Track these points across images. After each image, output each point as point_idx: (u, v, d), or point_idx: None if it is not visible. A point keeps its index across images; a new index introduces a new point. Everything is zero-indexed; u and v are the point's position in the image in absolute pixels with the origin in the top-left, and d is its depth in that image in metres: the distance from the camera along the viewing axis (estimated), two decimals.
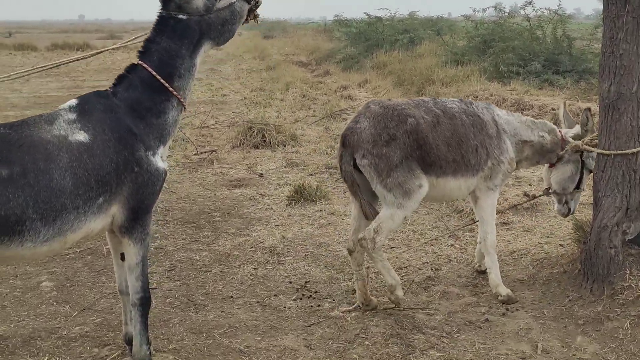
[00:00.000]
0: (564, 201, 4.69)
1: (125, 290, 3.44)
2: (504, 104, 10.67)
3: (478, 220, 4.56)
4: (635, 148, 3.97)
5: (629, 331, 3.76)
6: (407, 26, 20.53)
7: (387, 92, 13.44)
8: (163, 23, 3.22)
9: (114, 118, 3.05)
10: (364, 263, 4.31)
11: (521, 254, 5.05)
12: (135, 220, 3.12)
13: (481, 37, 15.41)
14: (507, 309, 4.25)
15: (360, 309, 4.24)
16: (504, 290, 4.34)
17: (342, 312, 4.22)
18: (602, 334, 3.83)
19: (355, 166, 4.04)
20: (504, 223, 5.84)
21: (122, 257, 3.33)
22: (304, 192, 6.68)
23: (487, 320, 4.12)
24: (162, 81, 3.16)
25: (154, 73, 3.15)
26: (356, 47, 20.85)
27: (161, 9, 3.23)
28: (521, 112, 10.40)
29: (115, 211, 3.07)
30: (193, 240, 5.69)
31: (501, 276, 4.73)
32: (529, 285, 4.56)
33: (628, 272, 4.03)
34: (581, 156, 4.52)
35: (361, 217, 4.20)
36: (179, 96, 3.22)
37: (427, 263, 5.09)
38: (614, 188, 4.06)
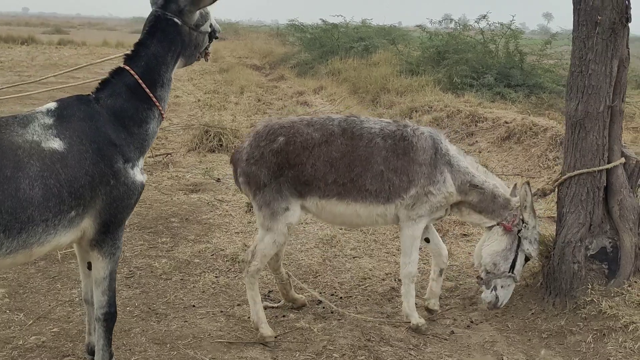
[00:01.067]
0: (492, 286, 4.09)
1: (90, 300, 3.28)
2: (459, 116, 10.82)
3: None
4: (600, 166, 4.06)
5: (592, 345, 3.83)
6: (361, 34, 20.65)
7: (343, 100, 13.48)
8: (157, 24, 3.09)
9: (93, 127, 2.89)
10: (281, 267, 4.38)
11: None
12: (106, 234, 2.97)
13: (435, 48, 15.62)
14: (472, 321, 4.28)
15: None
16: (414, 320, 4.12)
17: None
18: (565, 347, 3.90)
19: None
20: (464, 235, 5.90)
21: (89, 266, 3.19)
22: None
23: (452, 332, 4.14)
24: (147, 90, 3.04)
25: (140, 81, 3.03)
26: (311, 52, 20.84)
27: (158, 9, 3.09)
28: (475, 124, 10.61)
29: (87, 225, 2.91)
30: (151, 246, 5.55)
31: (464, 288, 4.79)
32: None
33: (590, 287, 4.12)
34: (518, 232, 4.06)
35: None
36: (160, 107, 3.11)
37: (390, 274, 5.09)
38: (578, 205, 4.15)
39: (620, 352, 3.69)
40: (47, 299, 4.44)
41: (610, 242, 4.18)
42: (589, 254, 4.19)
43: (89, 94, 3.05)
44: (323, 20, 21.99)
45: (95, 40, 32.73)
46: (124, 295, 4.53)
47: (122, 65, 3.08)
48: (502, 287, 4.07)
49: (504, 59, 13.90)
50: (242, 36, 39.97)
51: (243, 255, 4.03)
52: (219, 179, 7.82)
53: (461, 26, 15.50)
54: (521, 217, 4.05)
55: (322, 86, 15.65)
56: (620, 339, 3.77)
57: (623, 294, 4.03)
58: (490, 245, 4.09)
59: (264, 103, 13.77)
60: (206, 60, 3.49)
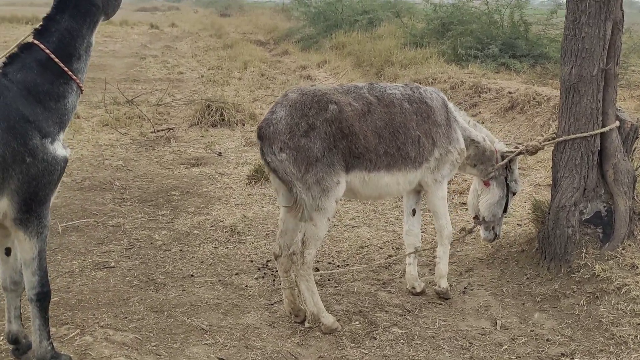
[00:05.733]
0: (490, 227, 4.43)
1: (9, 287, 3.21)
2: (462, 87, 10.76)
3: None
4: (594, 130, 4.05)
5: (585, 308, 3.86)
6: (366, 7, 20.46)
7: (346, 73, 13.42)
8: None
9: (2, 103, 2.75)
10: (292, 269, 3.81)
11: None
12: (30, 213, 2.88)
13: (440, 20, 15.47)
14: (468, 285, 4.32)
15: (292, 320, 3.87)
16: (445, 283, 4.16)
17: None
18: (558, 310, 3.93)
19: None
20: (463, 203, 5.91)
21: (7, 252, 3.14)
22: (264, 172, 6.62)
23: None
24: (61, 64, 2.94)
25: (52, 55, 2.92)
26: (315, 27, 20.70)
27: None
28: (479, 95, 10.55)
29: (5, 205, 2.83)
30: (152, 218, 5.59)
31: (460, 255, 4.81)
32: (488, 264, 4.64)
33: (584, 250, 4.14)
34: (505, 179, 4.33)
35: (288, 220, 3.81)
36: (77, 80, 3.02)
37: (388, 242, 5.12)
38: (572, 169, 4.15)
39: (612, 314, 3.71)
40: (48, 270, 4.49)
41: (604, 206, 4.18)
42: (583, 218, 4.20)
43: None
44: None
45: None
46: (123, 266, 4.59)
47: (31, 40, 2.96)
48: (498, 225, 4.46)
49: (508, 29, 13.74)
50: (247, 12, 39.75)
51: (293, 248, 3.65)
52: (220, 152, 7.85)
53: None
54: (508, 167, 4.36)
55: (325, 60, 15.58)
56: (613, 301, 3.79)
57: (617, 257, 4.05)
58: (485, 199, 4.39)
59: (267, 78, 13.74)
60: None
